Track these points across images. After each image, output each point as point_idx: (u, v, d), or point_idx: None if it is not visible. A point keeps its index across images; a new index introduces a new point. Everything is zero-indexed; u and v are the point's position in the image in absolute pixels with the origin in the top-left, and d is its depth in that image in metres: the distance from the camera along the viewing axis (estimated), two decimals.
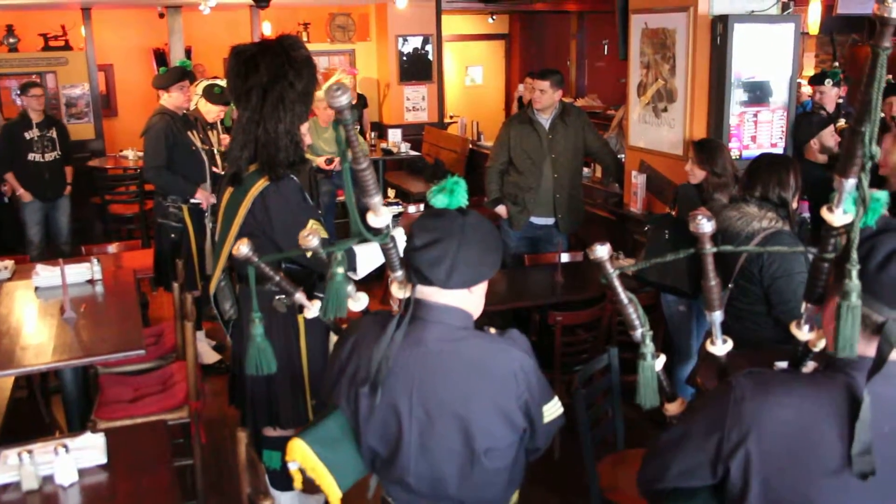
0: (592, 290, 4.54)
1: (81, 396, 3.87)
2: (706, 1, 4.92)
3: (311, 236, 2.15)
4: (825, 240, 1.66)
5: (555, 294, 4.62)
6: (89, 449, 2.64)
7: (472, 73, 13.74)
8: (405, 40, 10.28)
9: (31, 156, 7.17)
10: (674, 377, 4.32)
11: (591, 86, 12.50)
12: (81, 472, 2.55)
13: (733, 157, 4.62)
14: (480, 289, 2.08)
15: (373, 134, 9.72)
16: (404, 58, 10.32)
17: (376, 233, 2.03)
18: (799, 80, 5.91)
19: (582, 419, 3.01)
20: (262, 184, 3.10)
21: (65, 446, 2.53)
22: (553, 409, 2.14)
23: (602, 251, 1.73)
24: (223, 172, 4.17)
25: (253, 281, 2.35)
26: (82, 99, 9.46)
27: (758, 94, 5.00)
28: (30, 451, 2.51)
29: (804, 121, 5.20)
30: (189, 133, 5.37)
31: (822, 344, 1.77)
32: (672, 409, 1.99)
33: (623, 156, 6.06)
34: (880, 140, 3.98)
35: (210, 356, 5.55)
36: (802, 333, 1.80)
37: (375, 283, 6.42)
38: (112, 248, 5.68)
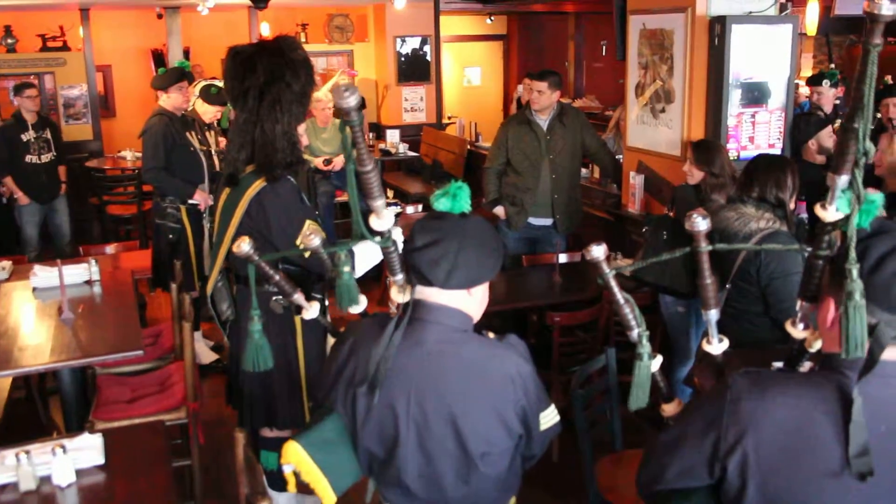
0: (590, 291, 4.55)
1: (79, 397, 3.87)
2: (704, 2, 4.92)
3: (313, 235, 2.15)
4: (819, 237, 1.66)
5: (553, 294, 4.63)
6: (87, 449, 2.64)
7: (471, 74, 13.74)
8: (403, 41, 10.29)
9: (28, 158, 7.15)
10: (673, 378, 4.32)
11: (589, 86, 12.50)
12: (79, 473, 2.55)
13: (731, 158, 4.63)
14: (480, 291, 2.08)
15: (371, 135, 9.72)
16: (402, 58, 10.33)
17: (378, 235, 2.04)
18: (797, 81, 5.92)
19: (580, 420, 3.02)
20: (259, 185, 3.10)
21: (62, 447, 2.53)
22: (550, 417, 2.15)
23: (598, 252, 1.74)
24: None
25: (253, 279, 2.35)
26: (80, 100, 9.46)
27: (755, 94, 5.01)
28: (27, 452, 2.51)
29: (802, 121, 5.20)
30: (187, 134, 5.37)
31: (818, 344, 1.77)
32: (669, 410, 1.99)
33: (621, 156, 6.06)
34: (874, 138, 3.98)
35: (207, 356, 5.55)
36: (797, 332, 1.81)
37: (373, 284, 6.43)
38: (110, 248, 5.67)
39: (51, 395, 4.71)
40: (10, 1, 8.53)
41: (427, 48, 10.38)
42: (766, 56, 4.96)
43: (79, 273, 4.47)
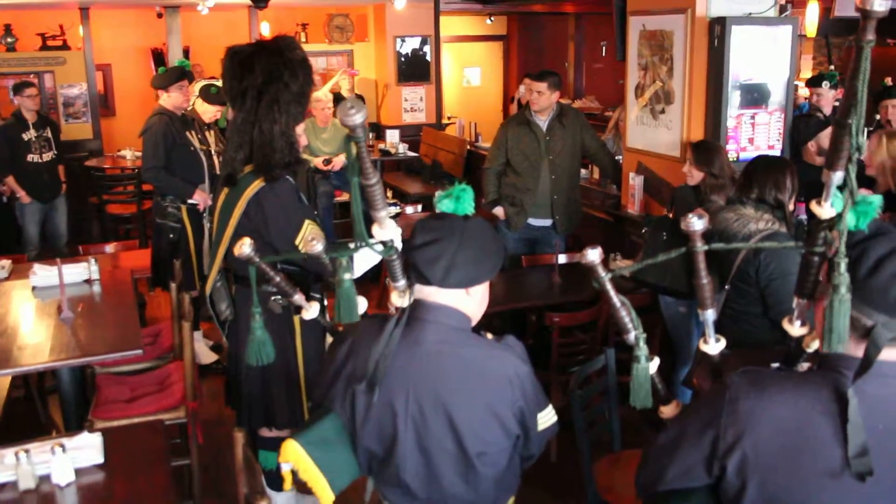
0: (590, 292, 4.55)
1: (78, 396, 3.88)
2: (704, 3, 4.92)
3: (315, 241, 2.16)
4: (814, 234, 1.67)
5: (552, 295, 4.63)
6: (86, 448, 2.65)
7: (471, 75, 13.74)
8: (403, 41, 10.29)
9: (30, 157, 7.16)
10: (674, 379, 4.33)
11: (588, 87, 12.51)
12: (78, 472, 2.55)
13: (730, 159, 4.63)
14: (479, 292, 2.09)
15: (371, 135, 9.71)
16: (402, 59, 10.33)
17: (381, 245, 2.04)
18: (796, 83, 5.92)
19: (578, 420, 3.02)
20: (257, 185, 3.11)
21: (62, 446, 2.53)
22: (547, 417, 2.15)
23: (593, 255, 1.74)
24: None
25: (254, 279, 2.36)
26: (80, 99, 9.45)
27: (755, 96, 5.01)
28: (27, 451, 2.51)
29: (802, 123, 5.21)
30: (187, 133, 5.37)
31: (815, 344, 1.78)
32: (667, 411, 1.99)
33: (620, 157, 6.07)
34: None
35: (207, 356, 5.55)
36: (794, 329, 1.82)
37: (372, 285, 6.43)
38: (109, 247, 5.67)
39: (50, 394, 4.71)
40: (10, 0, 8.53)
41: (427, 48, 10.38)
42: (765, 57, 4.96)
43: (78, 272, 4.47)
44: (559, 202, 5.45)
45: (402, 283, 2.09)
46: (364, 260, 3.04)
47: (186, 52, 9.91)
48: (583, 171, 6.32)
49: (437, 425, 2.01)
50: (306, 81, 3.17)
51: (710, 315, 1.85)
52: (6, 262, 4.90)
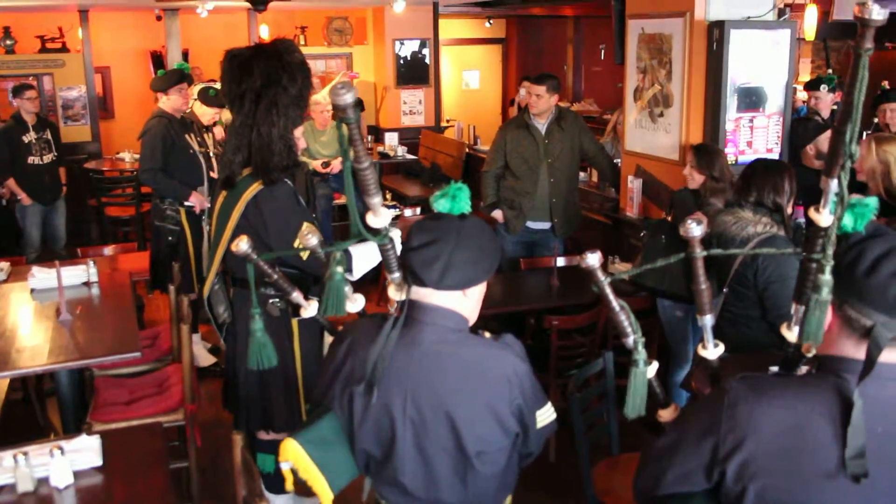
0: (588, 295, 4.53)
1: (77, 399, 3.88)
2: (703, 6, 4.93)
3: (310, 234, 2.16)
4: (812, 240, 1.67)
5: (551, 298, 4.63)
6: (85, 451, 2.65)
7: (469, 78, 13.75)
8: (402, 44, 10.29)
9: (31, 159, 7.16)
10: (670, 381, 4.33)
11: (587, 90, 12.53)
12: (77, 475, 2.56)
13: (729, 163, 4.64)
14: (475, 293, 2.09)
15: (370, 137, 9.73)
16: (401, 61, 10.33)
17: (375, 233, 2.04)
18: (794, 86, 5.93)
19: (577, 423, 3.02)
20: (255, 188, 3.11)
21: (60, 448, 2.53)
22: (546, 415, 2.15)
23: (593, 259, 1.74)
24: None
25: (252, 277, 2.36)
26: (79, 101, 9.45)
27: (754, 99, 5.02)
28: (25, 453, 2.51)
29: (800, 126, 5.21)
30: (187, 136, 5.38)
31: (814, 349, 1.78)
32: (665, 415, 1.99)
33: (619, 160, 6.08)
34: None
35: (205, 359, 5.55)
36: (792, 335, 1.82)
37: (371, 285, 6.43)
38: (108, 250, 5.67)
39: (48, 396, 4.70)
40: (9, 2, 8.53)
41: (426, 51, 10.39)
42: (764, 61, 4.97)
43: (77, 275, 4.47)
44: (558, 205, 5.46)
45: (397, 274, 2.09)
46: (365, 260, 3.05)
47: (185, 55, 9.92)
48: (581, 175, 6.33)
49: (435, 426, 2.01)
50: (305, 85, 3.18)
51: (708, 320, 1.85)
52: (5, 265, 4.89)
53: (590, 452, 3.06)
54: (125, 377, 4.19)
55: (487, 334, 2.14)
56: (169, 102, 5.37)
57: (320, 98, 6.92)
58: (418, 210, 6.95)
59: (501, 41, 13.79)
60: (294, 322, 3.28)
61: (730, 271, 3.43)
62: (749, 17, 4.94)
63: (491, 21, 13.00)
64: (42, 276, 4.39)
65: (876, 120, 5.96)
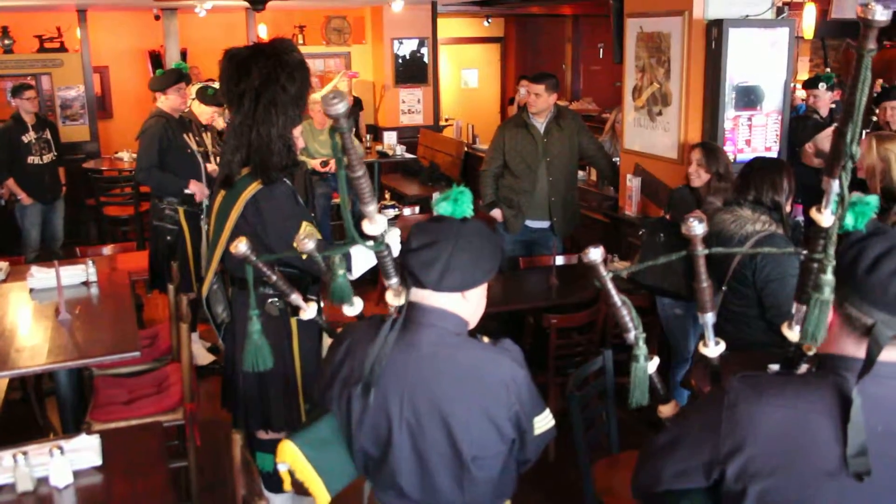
0: (587, 293, 4.55)
1: (76, 398, 3.87)
2: (701, 5, 4.93)
3: (307, 239, 2.15)
4: (814, 240, 1.67)
5: (549, 297, 4.63)
6: (84, 451, 2.65)
7: (468, 76, 13.76)
8: (401, 43, 10.29)
9: (30, 159, 7.16)
10: (670, 380, 4.33)
11: (586, 89, 12.54)
12: (76, 474, 2.56)
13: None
14: (475, 295, 2.08)
15: (368, 136, 9.72)
16: (400, 61, 10.33)
17: (371, 240, 2.04)
18: (793, 85, 5.94)
19: (576, 422, 3.02)
20: (254, 187, 3.11)
21: (60, 448, 2.53)
22: (544, 422, 2.14)
23: (595, 254, 1.74)
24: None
25: (251, 279, 2.36)
26: (77, 101, 9.44)
27: (752, 98, 5.02)
28: (25, 453, 2.51)
29: (799, 125, 5.22)
30: (185, 135, 5.38)
31: (815, 348, 1.78)
32: (665, 411, 1.99)
33: (617, 159, 6.08)
34: None
35: (205, 358, 5.55)
36: (793, 334, 1.82)
37: (370, 286, 6.43)
38: (107, 249, 5.66)
39: (48, 396, 4.71)
40: (7, 1, 8.52)
41: (424, 50, 10.38)
42: (762, 59, 4.97)
43: (76, 274, 4.47)
44: (557, 204, 5.46)
45: (395, 280, 2.09)
46: (363, 260, 3.04)
47: (184, 55, 9.92)
48: (580, 173, 6.33)
49: (432, 429, 2.01)
50: (304, 84, 3.18)
51: (709, 318, 1.85)
52: (4, 265, 4.89)
53: (589, 451, 3.06)
54: (124, 377, 4.19)
55: (486, 339, 2.13)
56: (167, 102, 5.37)
57: (319, 97, 6.92)
58: (417, 209, 6.95)
59: (500, 40, 13.79)
60: (293, 321, 3.28)
61: (727, 269, 3.43)
62: (747, 16, 4.94)
63: (489, 20, 13.00)
64: (41, 276, 4.39)
65: (874, 118, 5.97)
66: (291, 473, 2.11)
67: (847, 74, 8.97)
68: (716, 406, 1.62)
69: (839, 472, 1.50)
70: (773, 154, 5.09)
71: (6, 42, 9.30)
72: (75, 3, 9.01)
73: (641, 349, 1.84)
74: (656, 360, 1.89)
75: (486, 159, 5.66)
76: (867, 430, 1.48)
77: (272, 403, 3.32)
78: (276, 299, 3.21)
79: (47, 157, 7.26)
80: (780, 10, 5.14)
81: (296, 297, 2.46)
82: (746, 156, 4.86)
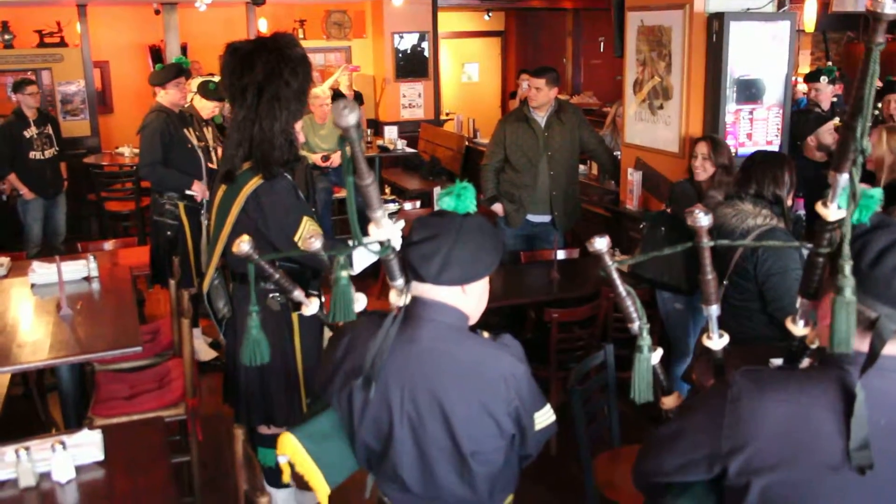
0: (588, 287, 4.55)
1: (78, 393, 3.87)
2: None
3: (314, 238, 2.15)
4: (820, 235, 1.67)
5: (551, 291, 4.63)
6: (86, 446, 2.65)
7: (469, 70, 13.74)
8: (401, 37, 10.27)
9: (32, 154, 7.17)
10: (670, 374, 4.33)
11: (587, 83, 12.52)
12: (78, 469, 2.56)
13: None
14: (476, 289, 2.07)
15: (369, 131, 9.71)
16: (400, 55, 10.31)
17: (378, 245, 2.04)
18: (794, 78, 5.93)
19: (578, 416, 3.02)
20: (255, 182, 3.10)
21: (62, 443, 2.53)
22: (545, 417, 2.14)
23: (601, 244, 1.75)
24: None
25: (252, 277, 2.36)
26: (78, 96, 9.43)
27: (753, 91, 5.01)
28: (27, 448, 2.51)
29: (801, 118, 5.21)
30: (185, 130, 5.37)
31: (818, 341, 1.78)
32: (668, 402, 2.00)
33: (618, 153, 6.07)
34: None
35: (206, 353, 5.55)
36: (798, 329, 1.81)
37: (371, 280, 6.43)
38: (108, 245, 5.67)
39: (50, 391, 4.71)
40: None
41: (425, 44, 10.37)
42: (763, 53, 4.97)
43: (77, 269, 4.47)
44: (558, 198, 5.45)
45: (399, 281, 2.09)
46: (364, 257, 3.04)
47: (184, 49, 9.90)
48: (581, 167, 6.32)
49: (432, 423, 2.01)
50: (306, 79, 3.17)
51: (714, 311, 1.85)
52: (5, 260, 4.89)
53: (591, 445, 3.07)
54: (126, 372, 4.19)
55: (486, 334, 2.13)
56: (167, 97, 5.37)
57: (319, 92, 6.92)
58: (418, 203, 6.95)
59: (500, 34, 13.77)
60: (294, 316, 3.28)
61: (729, 263, 3.43)
62: (748, 9, 4.93)
63: (490, 14, 12.99)
64: (42, 272, 4.38)
65: (877, 112, 5.96)
66: (291, 466, 2.12)
67: (848, 68, 8.96)
68: (719, 400, 1.62)
69: (842, 465, 1.50)
70: (775, 148, 5.08)
71: (6, 37, 9.28)
72: None
73: (645, 340, 1.84)
74: (660, 352, 1.90)
75: (487, 153, 5.65)
76: (870, 423, 1.48)
77: (274, 398, 3.32)
78: (278, 294, 3.21)
79: (49, 153, 7.27)
80: (780, 4, 5.14)
81: (298, 294, 2.46)
82: (748, 149, 4.85)
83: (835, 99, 6.44)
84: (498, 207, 5.55)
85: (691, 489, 1.72)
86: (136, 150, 6.75)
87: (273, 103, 3.06)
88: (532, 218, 5.53)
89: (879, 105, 5.95)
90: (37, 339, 3.61)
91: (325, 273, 2.97)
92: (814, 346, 1.82)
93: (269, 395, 3.32)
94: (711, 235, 1.74)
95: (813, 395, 1.55)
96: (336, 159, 6.77)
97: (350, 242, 2.06)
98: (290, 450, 2.10)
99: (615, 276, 1.80)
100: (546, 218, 5.52)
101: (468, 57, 13.65)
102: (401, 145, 9.40)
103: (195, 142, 5.40)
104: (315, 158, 6.68)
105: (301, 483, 2.15)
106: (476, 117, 10.03)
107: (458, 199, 2.00)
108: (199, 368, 4.48)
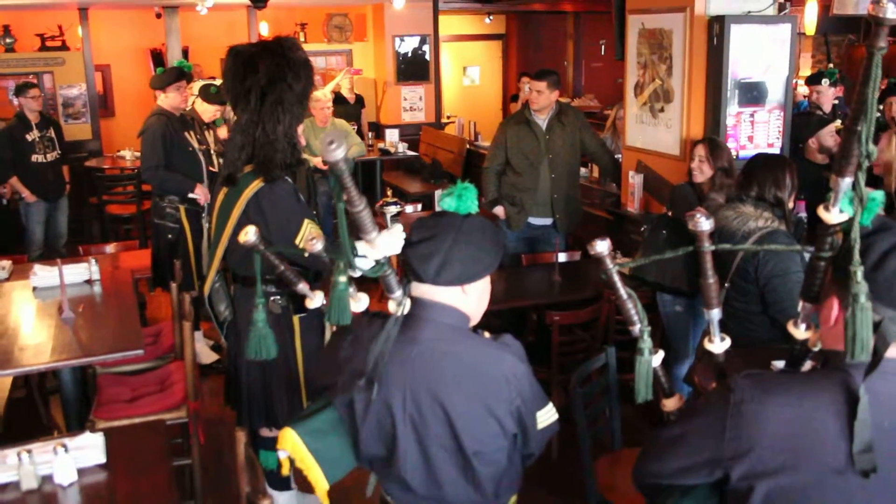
0: (590, 290, 4.55)
1: (80, 396, 3.88)
2: (703, 1, 4.92)
3: (316, 240, 2.16)
4: (821, 238, 1.67)
5: (552, 294, 4.63)
6: (88, 448, 2.65)
7: (470, 74, 13.75)
8: (402, 40, 10.28)
9: (34, 157, 7.18)
10: (671, 376, 4.33)
11: (588, 86, 12.52)
12: (80, 472, 2.56)
13: None
14: (476, 290, 2.08)
15: (370, 134, 9.72)
16: (401, 58, 10.32)
17: (374, 263, 2.04)
18: (795, 81, 5.93)
19: (579, 419, 3.02)
20: (256, 185, 3.11)
21: (64, 446, 2.53)
22: (547, 416, 2.14)
23: (602, 246, 1.75)
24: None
25: (258, 267, 2.36)
26: (79, 99, 9.45)
27: (754, 94, 5.01)
28: (29, 451, 2.51)
29: (802, 121, 5.21)
30: (186, 133, 5.38)
31: (820, 344, 1.77)
32: (670, 405, 2.00)
33: (619, 156, 6.07)
34: (875, 137, 3.98)
35: (208, 356, 5.55)
36: (799, 332, 1.81)
37: (372, 282, 6.42)
38: (110, 248, 5.68)
39: (51, 394, 4.71)
40: (9, 0, 8.52)
41: (426, 47, 10.38)
42: (764, 55, 4.96)
43: (79, 272, 4.47)
44: (559, 201, 5.46)
45: (398, 293, 2.08)
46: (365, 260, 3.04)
47: (185, 53, 9.91)
48: (582, 170, 6.32)
49: (434, 423, 2.01)
50: (308, 82, 3.18)
51: (715, 314, 1.85)
52: (7, 263, 4.89)
53: (592, 448, 3.06)
54: (128, 375, 4.19)
55: (487, 334, 2.13)
56: (167, 100, 5.37)
57: (321, 95, 6.93)
58: (419, 206, 6.95)
59: (501, 37, 13.78)
60: (296, 319, 3.28)
61: (730, 266, 3.43)
62: (749, 12, 4.93)
63: (491, 17, 13.00)
64: (44, 275, 4.39)
65: (878, 115, 5.96)
66: (291, 461, 2.12)
67: (849, 70, 8.96)
68: (721, 405, 1.62)
69: (846, 469, 1.49)
70: (776, 150, 5.08)
71: (8, 41, 9.31)
72: (77, 2, 9.02)
73: (646, 342, 1.84)
74: (661, 354, 1.89)
75: (489, 156, 5.66)
76: (873, 426, 1.48)
77: (275, 401, 3.32)
78: (279, 297, 3.21)
79: (51, 156, 7.28)
80: (781, 6, 5.14)
81: (303, 287, 2.46)
82: (749, 152, 4.85)
83: (836, 101, 6.44)
84: (499, 210, 5.56)
85: (693, 492, 1.71)
86: (138, 154, 6.76)
87: (276, 106, 3.07)
88: (533, 221, 5.53)
89: (881, 108, 5.95)
90: (39, 342, 3.62)
91: (326, 275, 2.97)
92: (816, 350, 1.82)
93: (270, 398, 3.32)
94: (713, 239, 1.74)
95: (816, 399, 1.54)
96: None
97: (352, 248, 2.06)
98: (291, 445, 2.11)
99: (616, 278, 1.80)
100: (547, 221, 5.53)
101: (469, 60, 13.66)
102: (402, 148, 9.41)
103: (196, 145, 5.41)
104: (316, 161, 6.68)
105: (303, 486, 2.15)
106: (477, 120, 10.03)
107: (459, 199, 2.01)
108: (200, 371, 4.48)
